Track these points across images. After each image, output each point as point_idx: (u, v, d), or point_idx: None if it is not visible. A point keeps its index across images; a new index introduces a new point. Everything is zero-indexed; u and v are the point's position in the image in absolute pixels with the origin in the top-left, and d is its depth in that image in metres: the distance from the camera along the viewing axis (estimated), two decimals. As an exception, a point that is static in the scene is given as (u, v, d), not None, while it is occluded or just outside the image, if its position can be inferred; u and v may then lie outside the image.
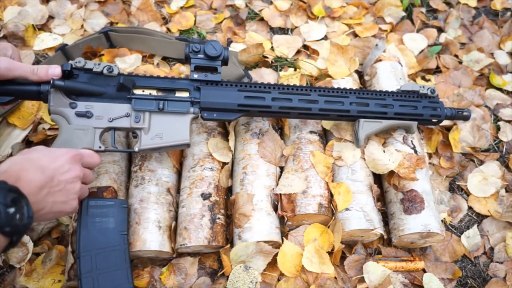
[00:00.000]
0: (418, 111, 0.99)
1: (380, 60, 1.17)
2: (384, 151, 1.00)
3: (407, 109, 0.98)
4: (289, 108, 0.92)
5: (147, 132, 0.86)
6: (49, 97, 0.81)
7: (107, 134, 0.92)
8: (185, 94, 0.89)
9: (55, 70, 0.81)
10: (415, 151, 1.01)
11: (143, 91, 0.87)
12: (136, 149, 0.86)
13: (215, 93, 0.90)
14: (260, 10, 1.40)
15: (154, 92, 0.88)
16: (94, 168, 0.82)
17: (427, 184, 0.99)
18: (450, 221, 1.07)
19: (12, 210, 0.54)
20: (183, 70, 1.21)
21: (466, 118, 1.06)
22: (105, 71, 0.84)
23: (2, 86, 0.79)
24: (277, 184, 0.97)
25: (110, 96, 0.85)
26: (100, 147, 0.83)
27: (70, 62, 0.83)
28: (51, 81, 0.79)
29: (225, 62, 0.91)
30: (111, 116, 0.84)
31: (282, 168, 1.01)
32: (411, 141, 1.03)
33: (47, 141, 1.04)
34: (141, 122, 0.85)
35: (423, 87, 1.01)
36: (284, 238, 0.92)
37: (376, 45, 1.22)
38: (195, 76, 0.90)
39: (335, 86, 1.12)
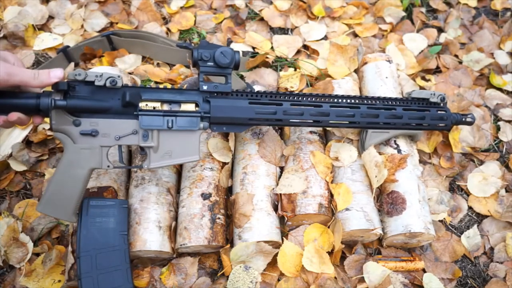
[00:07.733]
0: (426, 121, 0.98)
1: (366, 63, 1.17)
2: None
3: (416, 120, 0.97)
4: (299, 121, 0.91)
5: (156, 151, 0.83)
6: (50, 115, 0.76)
7: None
8: (194, 106, 0.85)
9: (56, 73, 0.74)
10: (399, 151, 1.01)
11: (147, 104, 0.82)
12: (145, 166, 0.83)
13: (225, 107, 0.85)
14: (260, 10, 1.40)
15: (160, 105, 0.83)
16: None
17: (411, 183, 0.98)
18: (450, 221, 1.07)
19: None
20: (184, 71, 1.21)
21: (470, 124, 1.05)
22: (108, 84, 0.77)
23: None
24: (277, 184, 0.97)
25: (115, 111, 0.79)
26: (108, 166, 0.81)
27: (69, 76, 0.76)
28: (53, 102, 0.73)
29: (236, 67, 0.86)
30: (117, 134, 0.80)
31: (282, 168, 1.01)
32: (394, 141, 1.03)
33: (47, 141, 1.04)
34: (149, 141, 0.82)
35: (434, 94, 0.99)
36: (284, 238, 0.92)
37: (357, 49, 1.22)
38: (205, 87, 0.84)
39: (335, 86, 1.13)
